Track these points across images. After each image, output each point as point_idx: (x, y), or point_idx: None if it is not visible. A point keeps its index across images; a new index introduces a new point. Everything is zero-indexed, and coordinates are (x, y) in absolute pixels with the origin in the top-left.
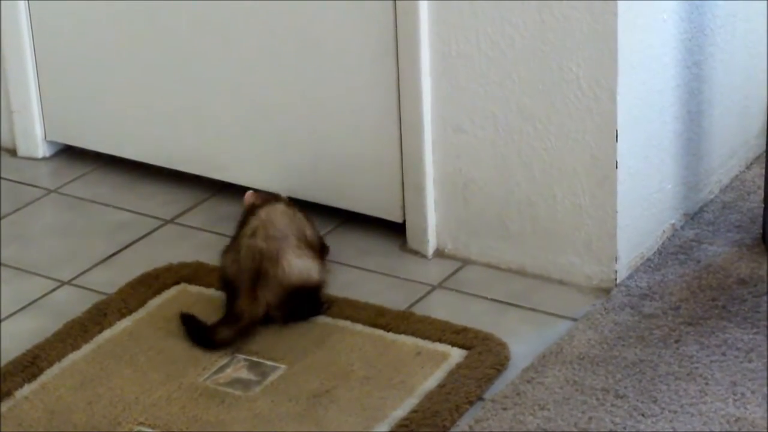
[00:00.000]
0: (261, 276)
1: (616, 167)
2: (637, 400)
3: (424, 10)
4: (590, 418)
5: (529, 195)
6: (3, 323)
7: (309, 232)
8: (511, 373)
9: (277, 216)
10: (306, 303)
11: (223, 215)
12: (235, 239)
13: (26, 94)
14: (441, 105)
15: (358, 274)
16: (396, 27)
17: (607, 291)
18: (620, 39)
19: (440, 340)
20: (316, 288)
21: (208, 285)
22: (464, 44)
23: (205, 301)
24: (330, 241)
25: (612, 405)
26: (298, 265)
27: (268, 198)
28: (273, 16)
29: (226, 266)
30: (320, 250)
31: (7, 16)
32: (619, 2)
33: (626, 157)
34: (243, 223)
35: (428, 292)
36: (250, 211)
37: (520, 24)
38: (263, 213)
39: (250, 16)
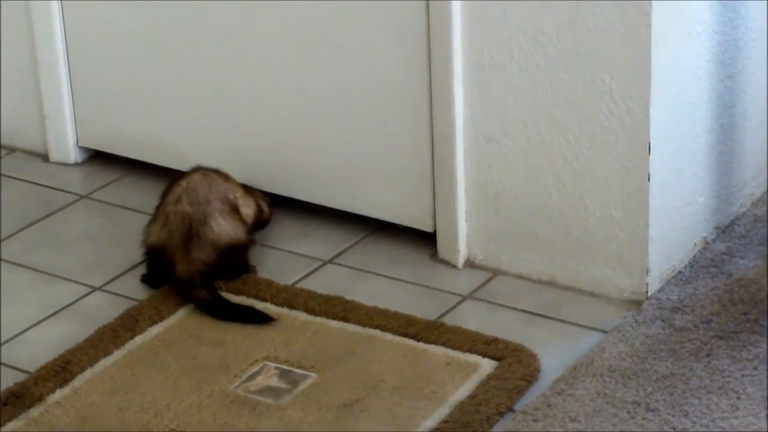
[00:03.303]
0: (193, 238)
1: (649, 179)
2: (669, 414)
3: (457, 20)
4: None
5: (561, 206)
6: (35, 328)
7: (231, 195)
8: (542, 385)
9: (197, 183)
10: (236, 261)
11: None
12: (159, 208)
13: (59, 99)
14: (473, 115)
15: (388, 283)
16: (429, 36)
17: (638, 303)
18: (654, 51)
19: (471, 351)
20: (244, 246)
21: (238, 292)
22: (497, 54)
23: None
24: (360, 249)
25: (643, 418)
26: (226, 226)
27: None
28: (305, 25)
29: (153, 235)
30: (259, 212)
31: (41, 21)
32: (653, 14)
33: (659, 169)
34: (165, 193)
35: (458, 303)
36: (171, 182)
37: (554, 34)
38: (183, 182)
39: (282, 25)
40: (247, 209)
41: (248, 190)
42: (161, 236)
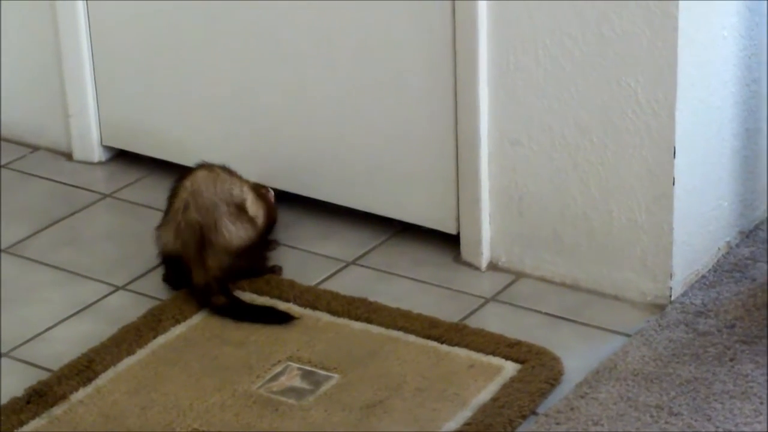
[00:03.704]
0: (206, 246)
1: (673, 184)
2: (692, 419)
3: (483, 22)
4: None
5: (585, 209)
6: (58, 327)
7: (236, 191)
8: (565, 388)
9: (201, 184)
10: (251, 262)
11: (278, 222)
12: (167, 214)
13: (83, 98)
14: (498, 118)
15: (411, 285)
16: (454, 39)
17: (661, 307)
18: (680, 55)
19: (494, 353)
20: (256, 246)
21: (261, 293)
22: (522, 57)
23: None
24: (383, 251)
25: (666, 422)
26: (236, 230)
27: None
28: (330, 27)
29: (168, 244)
30: (269, 209)
31: (66, 20)
32: (679, 18)
33: (683, 173)
34: (171, 196)
35: (482, 305)
36: (175, 183)
37: (579, 38)
38: (188, 183)
39: (307, 26)
40: (257, 207)
41: (256, 187)
42: (176, 245)
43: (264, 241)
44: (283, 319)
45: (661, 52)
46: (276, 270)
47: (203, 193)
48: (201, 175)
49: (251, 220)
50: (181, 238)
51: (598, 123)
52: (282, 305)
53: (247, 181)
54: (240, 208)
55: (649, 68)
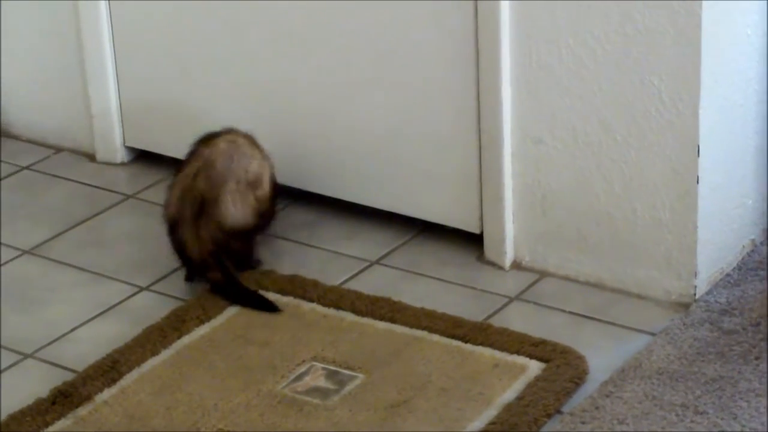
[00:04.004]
0: (203, 215)
1: (698, 182)
2: (717, 417)
3: (505, 21)
4: None
5: (609, 208)
6: (82, 328)
7: (253, 168)
8: (590, 387)
9: (218, 157)
10: (239, 246)
11: (299, 223)
12: (179, 174)
13: (106, 99)
14: (521, 116)
15: (435, 284)
16: (477, 37)
17: (686, 306)
18: (704, 53)
19: (518, 353)
20: (249, 233)
21: (285, 293)
22: (546, 55)
23: (282, 308)
24: (407, 251)
25: (691, 421)
26: (234, 211)
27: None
28: (352, 25)
29: (170, 204)
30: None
31: (88, 20)
32: (703, 16)
33: (708, 171)
34: (190, 155)
35: (505, 304)
36: (198, 144)
37: (602, 36)
38: (206, 152)
39: (329, 25)
40: (268, 187)
41: (257, 148)
42: (176, 207)
43: (257, 227)
44: (270, 308)
45: (684, 51)
46: (255, 264)
47: (216, 167)
48: (222, 147)
49: (259, 200)
50: (182, 201)
51: (621, 121)
52: (306, 305)
53: (268, 158)
54: (252, 186)
55: (673, 66)
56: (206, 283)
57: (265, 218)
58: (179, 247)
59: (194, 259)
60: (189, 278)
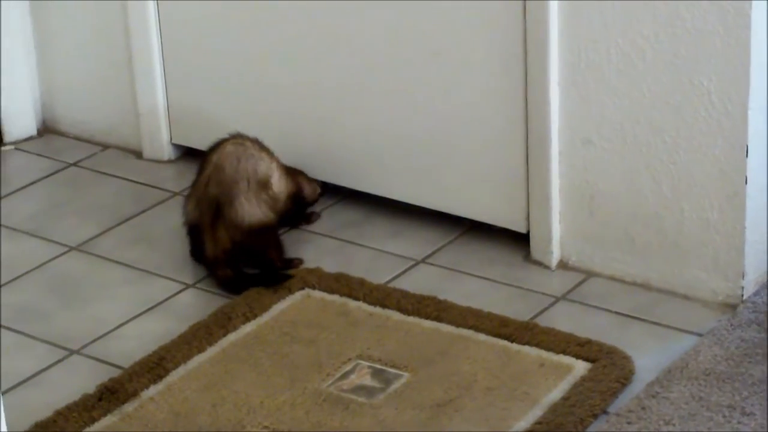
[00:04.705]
0: (219, 219)
1: (746, 183)
2: (764, 418)
3: (554, 21)
4: None
5: (656, 208)
6: (129, 324)
7: (262, 168)
8: (636, 387)
9: (226, 159)
10: (259, 242)
11: (346, 221)
12: (194, 185)
13: (153, 97)
14: (569, 116)
15: (481, 283)
16: (525, 37)
17: (733, 307)
18: (753, 53)
19: (564, 352)
20: (268, 228)
21: (331, 291)
22: (594, 56)
23: (328, 306)
24: (453, 249)
25: (738, 422)
26: (249, 208)
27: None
28: (401, 25)
29: (189, 213)
30: (297, 191)
31: (136, 19)
32: (752, 16)
33: (756, 172)
34: (200, 168)
35: (552, 304)
36: (206, 154)
37: (652, 36)
38: (214, 157)
39: (378, 26)
40: (282, 185)
41: (289, 169)
42: (195, 216)
43: (276, 223)
44: (282, 278)
45: (734, 51)
46: (295, 263)
47: (225, 169)
48: (228, 150)
49: (273, 198)
50: (199, 209)
51: (670, 122)
52: (352, 303)
53: (277, 159)
54: (262, 185)
55: (722, 67)
56: (215, 281)
57: (286, 216)
58: (199, 254)
59: (209, 259)
60: (192, 254)
